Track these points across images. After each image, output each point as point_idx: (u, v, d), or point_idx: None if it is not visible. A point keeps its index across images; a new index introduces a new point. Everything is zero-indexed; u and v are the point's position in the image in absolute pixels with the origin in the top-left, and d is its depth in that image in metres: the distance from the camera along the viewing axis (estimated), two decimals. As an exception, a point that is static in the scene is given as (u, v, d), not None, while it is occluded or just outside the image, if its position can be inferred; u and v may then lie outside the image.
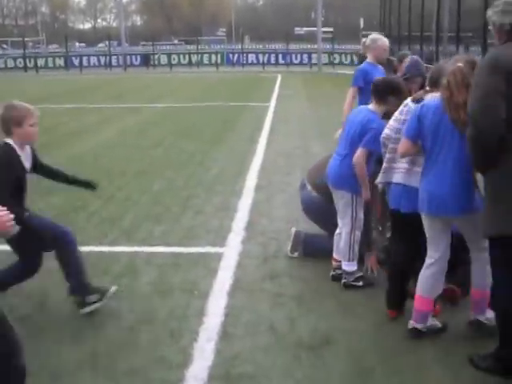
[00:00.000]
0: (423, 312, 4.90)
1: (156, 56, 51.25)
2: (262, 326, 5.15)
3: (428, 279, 4.85)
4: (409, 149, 4.79)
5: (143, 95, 26.90)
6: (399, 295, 5.32)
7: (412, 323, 4.94)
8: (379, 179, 5.28)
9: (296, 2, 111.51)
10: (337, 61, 48.62)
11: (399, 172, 5.04)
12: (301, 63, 48.81)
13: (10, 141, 5.06)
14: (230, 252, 6.81)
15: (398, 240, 5.29)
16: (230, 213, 8.37)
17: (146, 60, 50.90)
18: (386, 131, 5.20)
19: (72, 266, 5.27)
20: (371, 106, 5.82)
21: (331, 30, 69.83)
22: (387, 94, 5.69)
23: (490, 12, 4.23)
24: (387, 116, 5.62)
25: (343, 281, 5.92)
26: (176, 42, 76.47)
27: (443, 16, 29.10)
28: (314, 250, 6.60)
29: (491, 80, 3.93)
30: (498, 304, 4.40)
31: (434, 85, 5.01)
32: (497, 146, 3.95)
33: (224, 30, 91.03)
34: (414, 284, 5.25)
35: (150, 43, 57.96)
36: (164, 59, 50.77)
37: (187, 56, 51.62)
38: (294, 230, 6.74)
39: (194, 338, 4.91)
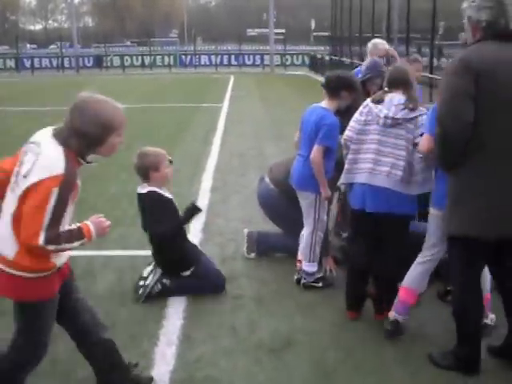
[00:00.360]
0: (407, 304, 4.97)
1: (109, 58, 50.77)
2: (222, 329, 5.12)
3: (421, 274, 4.94)
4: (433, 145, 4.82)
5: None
6: (359, 296, 5.36)
7: (394, 315, 4.98)
8: (342, 180, 5.31)
9: (248, 3, 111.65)
10: (289, 62, 49.00)
11: (363, 172, 5.07)
12: (253, 64, 48.99)
13: (152, 188, 5.53)
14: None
15: (358, 240, 5.32)
16: (187, 215, 8.31)
17: (98, 62, 50.45)
18: (348, 133, 5.23)
19: None
20: (324, 103, 5.81)
21: (283, 31, 70.15)
22: (340, 89, 5.72)
23: (465, 5, 4.15)
24: (344, 113, 5.69)
25: (303, 281, 5.94)
26: (128, 43, 75.93)
27: (393, 17, 29.46)
28: (268, 248, 6.65)
29: (461, 81, 3.93)
30: (454, 302, 4.50)
31: (393, 85, 5.08)
32: (463, 148, 3.98)
33: (176, 31, 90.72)
34: (372, 285, 5.33)
35: (103, 45, 57.45)
36: (117, 61, 50.32)
37: (140, 57, 51.32)
38: (246, 230, 6.76)
39: (155, 343, 4.87)
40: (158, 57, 52.01)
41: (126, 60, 50.35)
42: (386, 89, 5.15)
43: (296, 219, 6.04)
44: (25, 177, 3.36)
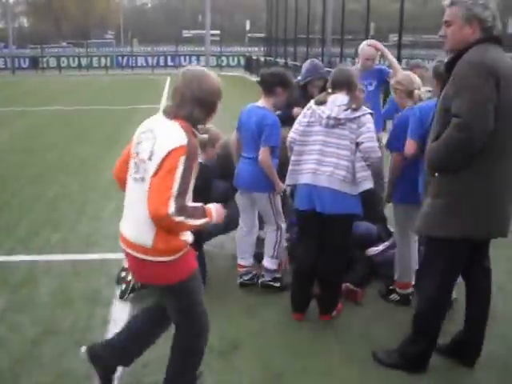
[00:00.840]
0: None
1: (45, 59, 49.82)
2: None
3: None
4: (416, 149, 4.96)
5: (33, 98, 26.10)
6: (304, 297, 5.39)
7: None
8: (287, 182, 5.33)
9: (184, 5, 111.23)
10: (224, 63, 49.09)
11: (306, 173, 5.11)
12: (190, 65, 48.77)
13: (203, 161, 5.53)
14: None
15: (304, 241, 5.36)
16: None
17: (34, 63, 49.42)
18: (291, 134, 5.26)
19: None
20: (260, 102, 5.78)
21: (218, 32, 70.06)
22: (275, 85, 5.68)
23: (469, 1, 3.96)
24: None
25: (261, 280, 5.92)
26: (64, 44, 74.65)
27: (327, 19, 29.77)
28: None
29: (486, 85, 3.80)
30: (423, 301, 4.48)
31: (337, 86, 5.14)
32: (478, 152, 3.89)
33: (112, 32, 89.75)
34: (317, 285, 5.36)
35: (38, 46, 56.33)
36: (53, 62, 49.34)
37: (76, 59, 50.55)
38: None
39: (101, 348, 4.80)
40: (95, 58, 51.27)
41: (63, 61, 49.49)
42: (329, 90, 5.20)
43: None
44: (150, 159, 3.53)
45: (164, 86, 31.19)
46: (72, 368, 4.51)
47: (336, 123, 5.02)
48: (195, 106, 3.62)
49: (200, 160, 5.59)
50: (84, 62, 50.00)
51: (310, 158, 5.10)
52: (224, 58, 49.73)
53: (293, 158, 5.24)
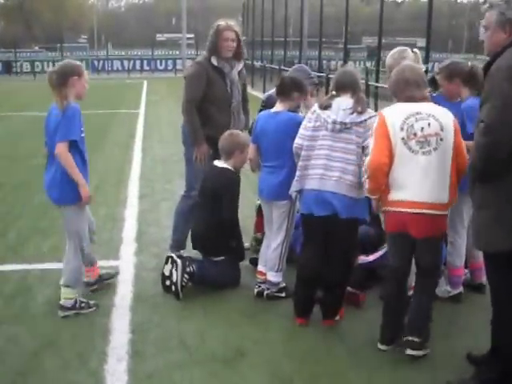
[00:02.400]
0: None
1: (18, 63, 49.24)
2: (171, 342, 4.98)
3: None
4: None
5: (9, 103, 25.67)
6: (308, 302, 5.31)
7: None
8: (293, 188, 5.22)
9: (157, 8, 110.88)
10: (201, 66, 48.79)
11: (313, 178, 5.03)
12: (165, 69, 48.69)
13: (230, 167, 5.95)
14: (125, 265, 6.60)
15: (308, 246, 5.28)
16: (118, 223, 8.15)
17: (7, 67, 48.81)
18: (298, 140, 5.18)
19: None
20: (278, 107, 5.66)
21: (192, 36, 69.88)
22: (292, 90, 5.61)
23: (504, 5, 3.94)
24: None
25: (266, 292, 5.80)
26: (37, 48, 73.96)
27: (304, 22, 29.80)
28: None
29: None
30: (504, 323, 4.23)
31: (340, 89, 5.06)
32: (507, 158, 3.79)
33: (85, 36, 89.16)
34: (321, 290, 5.29)
35: (11, 50, 55.69)
36: (27, 66, 48.56)
37: (51, 63, 49.83)
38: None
39: (103, 359, 4.67)
40: (70, 62, 50.72)
41: (37, 66, 48.64)
42: (333, 93, 5.11)
43: None
44: (442, 130, 4.52)
45: (141, 90, 31.05)
46: (75, 381, 4.40)
47: (342, 128, 4.95)
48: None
49: (225, 166, 5.92)
50: (59, 66, 49.39)
51: (317, 163, 5.02)
52: (200, 61, 49.58)
53: (300, 163, 5.15)
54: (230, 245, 5.99)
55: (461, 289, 5.76)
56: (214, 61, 6.35)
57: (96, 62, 50.65)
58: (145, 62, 50.21)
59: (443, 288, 5.74)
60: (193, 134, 6.32)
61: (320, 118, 5.04)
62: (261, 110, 6.37)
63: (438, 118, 4.53)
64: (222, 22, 6.33)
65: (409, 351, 4.67)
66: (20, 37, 76.84)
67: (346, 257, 5.16)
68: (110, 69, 49.13)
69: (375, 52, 39.08)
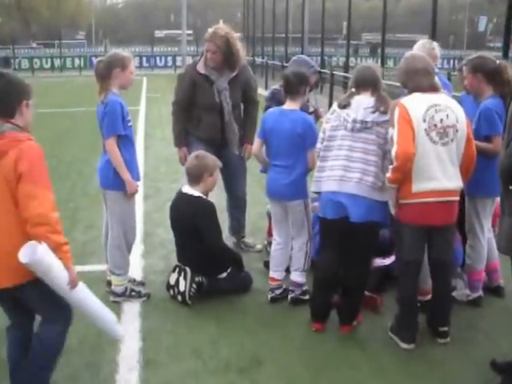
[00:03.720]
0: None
1: (17, 60, 48.96)
2: (184, 350, 4.79)
3: None
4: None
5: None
6: (325, 306, 5.14)
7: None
8: (312, 188, 5.04)
9: (155, 4, 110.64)
10: (200, 63, 48.65)
11: (332, 180, 4.83)
12: (165, 66, 48.50)
13: (202, 194, 5.68)
14: (133, 268, 6.36)
15: (326, 250, 5.09)
16: (123, 225, 7.93)
17: (5, 64, 48.45)
18: (318, 145, 5.04)
19: None
20: (289, 105, 5.44)
21: (191, 32, 69.75)
22: (300, 85, 5.41)
23: None
24: None
25: (291, 295, 5.60)
26: (35, 45, 73.65)
27: (305, 19, 29.69)
28: None
29: None
30: None
31: (361, 86, 4.86)
32: None
33: (83, 33, 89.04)
34: (338, 294, 5.12)
35: (8, 46, 55.39)
36: (25, 63, 48.24)
37: (49, 60, 49.71)
38: None
39: (115, 369, 4.50)
40: (68, 59, 50.31)
41: (35, 62, 48.41)
42: (352, 90, 4.91)
43: None
44: (457, 122, 4.61)
45: (141, 87, 30.80)
46: (88, 392, 4.22)
47: (362, 127, 4.75)
48: None
49: (198, 194, 5.67)
50: (57, 63, 49.09)
51: (336, 164, 4.82)
52: (200, 58, 49.39)
53: (318, 163, 4.99)
54: (227, 264, 5.81)
55: (480, 292, 5.61)
56: (200, 67, 6.32)
57: (94, 59, 50.32)
58: (144, 58, 50.04)
59: (462, 291, 5.58)
60: (173, 136, 6.60)
61: (339, 116, 4.84)
62: (267, 107, 6.22)
63: (453, 109, 4.63)
64: (210, 30, 6.25)
65: (441, 340, 4.89)
66: (18, 33, 76.51)
67: (364, 261, 4.99)
68: (108, 65, 48.93)
69: (376, 49, 39.06)
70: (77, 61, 49.38)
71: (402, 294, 4.87)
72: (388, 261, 5.90)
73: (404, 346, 4.81)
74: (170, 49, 61.55)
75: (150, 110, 20.89)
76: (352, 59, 33.34)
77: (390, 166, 4.58)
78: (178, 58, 47.46)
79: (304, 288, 5.61)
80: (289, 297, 5.61)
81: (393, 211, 4.83)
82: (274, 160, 5.49)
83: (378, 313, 5.41)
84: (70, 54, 54.56)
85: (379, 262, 5.85)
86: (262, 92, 22.43)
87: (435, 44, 6.15)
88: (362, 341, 4.96)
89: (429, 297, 5.18)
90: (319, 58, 27.59)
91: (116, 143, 5.35)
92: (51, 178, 3.68)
